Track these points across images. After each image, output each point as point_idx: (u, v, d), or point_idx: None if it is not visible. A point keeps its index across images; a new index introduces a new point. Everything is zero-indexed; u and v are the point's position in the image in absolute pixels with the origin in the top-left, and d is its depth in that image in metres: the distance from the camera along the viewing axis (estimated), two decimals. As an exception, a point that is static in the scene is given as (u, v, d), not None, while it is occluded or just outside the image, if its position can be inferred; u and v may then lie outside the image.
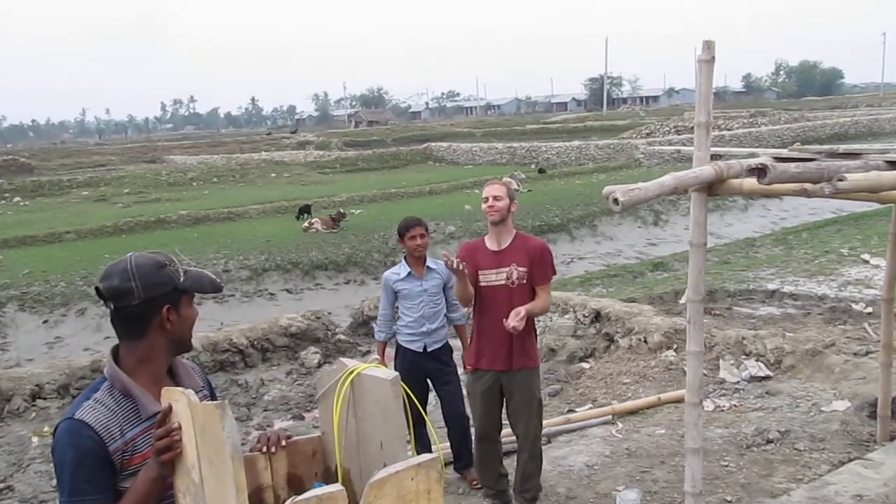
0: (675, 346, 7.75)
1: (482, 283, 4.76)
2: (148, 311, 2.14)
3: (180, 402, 2.06)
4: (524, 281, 4.72)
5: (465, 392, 5.16)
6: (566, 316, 8.95)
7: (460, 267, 4.52)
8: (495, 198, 4.74)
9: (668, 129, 37.80)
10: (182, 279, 2.19)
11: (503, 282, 4.72)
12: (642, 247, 17.64)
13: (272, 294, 14.26)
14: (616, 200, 2.93)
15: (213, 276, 2.26)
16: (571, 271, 15.29)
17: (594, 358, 8.27)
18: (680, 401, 6.42)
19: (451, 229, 17.51)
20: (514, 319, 4.49)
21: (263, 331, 9.45)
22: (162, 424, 2.05)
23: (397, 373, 2.41)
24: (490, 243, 4.82)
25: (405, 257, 5.53)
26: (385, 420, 2.38)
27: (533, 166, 33.32)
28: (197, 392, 2.16)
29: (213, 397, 2.41)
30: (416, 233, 5.40)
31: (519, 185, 24.20)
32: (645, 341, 8.00)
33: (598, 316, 8.70)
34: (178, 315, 2.19)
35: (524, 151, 36.39)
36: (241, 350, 9.11)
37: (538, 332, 5.10)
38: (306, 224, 18.44)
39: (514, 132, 56.31)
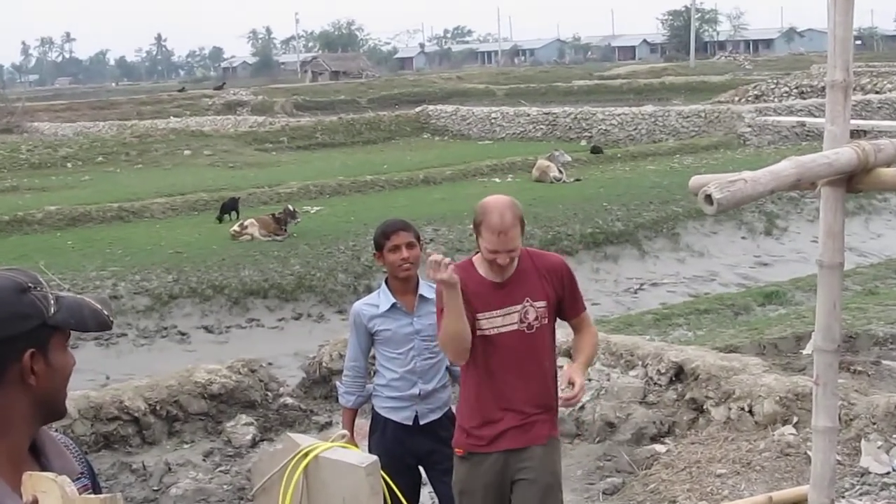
0: (795, 419, 7.75)
1: (483, 332, 4.77)
2: (1, 358, 2.17)
3: (50, 494, 2.07)
4: (546, 321, 4.78)
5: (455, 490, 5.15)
6: (632, 372, 8.94)
7: (451, 278, 4.50)
8: (502, 234, 4.58)
9: (786, 89, 37.86)
10: (53, 310, 2.20)
11: (515, 326, 4.76)
12: (748, 267, 17.65)
13: (183, 334, 14.27)
14: (710, 198, 2.96)
15: (99, 306, 2.29)
16: (641, 303, 15.30)
17: (673, 437, 8.26)
18: (802, 503, 6.42)
19: (454, 237, 17.55)
20: (573, 390, 4.58)
21: (170, 390, 9.45)
22: (24, 527, 2.06)
23: (375, 457, 2.45)
24: (487, 271, 4.81)
25: (386, 281, 5.56)
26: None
27: (583, 143, 33.34)
28: (74, 480, 2.19)
29: (96, 489, 2.43)
30: (401, 241, 5.39)
31: (562, 172, 24.29)
32: (750, 412, 7.99)
33: (679, 373, 8.69)
34: (47, 363, 2.20)
35: (569, 120, 36.45)
36: (136, 418, 9.09)
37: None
38: (236, 228, 18.50)
39: (555, 91, 56.48)
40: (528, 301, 4.74)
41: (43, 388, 2.20)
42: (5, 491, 2.14)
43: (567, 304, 4.83)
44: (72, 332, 2.26)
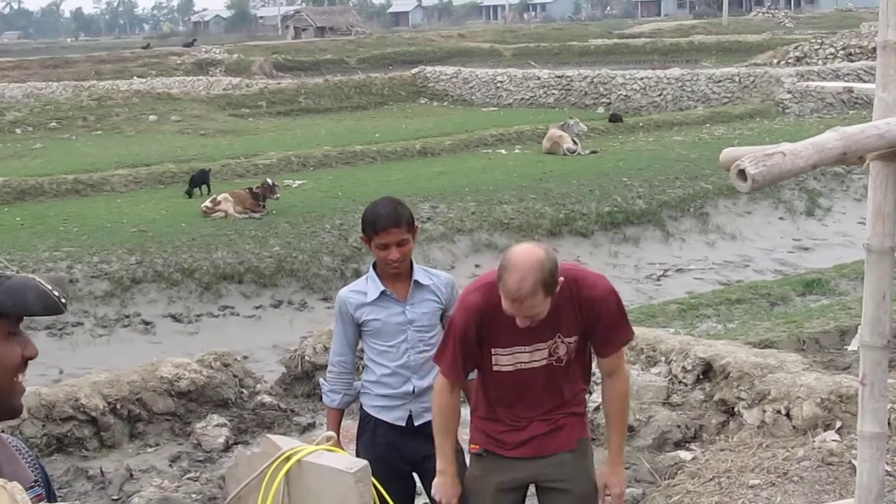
0: (838, 424, 7.76)
1: (502, 368, 4.78)
2: None
3: (-3, 503, 2.08)
4: (574, 355, 4.81)
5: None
6: (654, 370, 8.95)
7: None
8: (517, 302, 4.42)
9: (832, 50, 37.82)
10: None
11: (544, 362, 4.76)
12: (786, 252, 17.67)
13: (147, 323, 14.30)
14: (743, 174, 2.95)
15: (49, 286, 2.27)
16: (664, 292, 15.32)
17: (700, 443, 8.27)
18: (845, 518, 6.43)
19: (454, 216, 17.55)
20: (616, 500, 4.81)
21: (132, 386, 9.46)
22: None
23: (366, 462, 2.45)
24: None
25: (374, 265, 5.55)
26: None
27: (600, 110, 33.33)
28: (27, 488, 2.18)
29: (51, 499, 2.43)
30: (391, 239, 5.35)
31: (576, 143, 24.27)
32: (788, 415, 8.00)
33: (707, 371, 8.70)
34: None
35: (585, 84, 36.43)
36: (93, 419, 9.11)
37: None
38: (208, 204, 18.49)
39: (569, 51, 56.43)
40: (559, 337, 4.71)
41: None
42: None
43: (596, 341, 4.81)
44: (16, 317, 2.25)
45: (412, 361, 5.48)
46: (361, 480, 2.16)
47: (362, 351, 5.67)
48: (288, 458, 2.34)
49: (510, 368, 4.76)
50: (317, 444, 2.52)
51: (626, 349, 9.11)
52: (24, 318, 2.31)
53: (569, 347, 4.74)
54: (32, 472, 2.40)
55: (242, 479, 2.45)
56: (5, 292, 2.20)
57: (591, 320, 4.72)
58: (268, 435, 2.29)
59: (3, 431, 2.41)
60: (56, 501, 2.28)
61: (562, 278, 4.49)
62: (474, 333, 4.70)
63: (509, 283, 4.35)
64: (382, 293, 5.45)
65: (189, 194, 20.25)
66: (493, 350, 4.73)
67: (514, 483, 4.95)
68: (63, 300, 2.30)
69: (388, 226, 5.29)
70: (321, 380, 5.92)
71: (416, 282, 5.47)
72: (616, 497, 4.81)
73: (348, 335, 5.58)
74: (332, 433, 5.36)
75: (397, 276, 5.46)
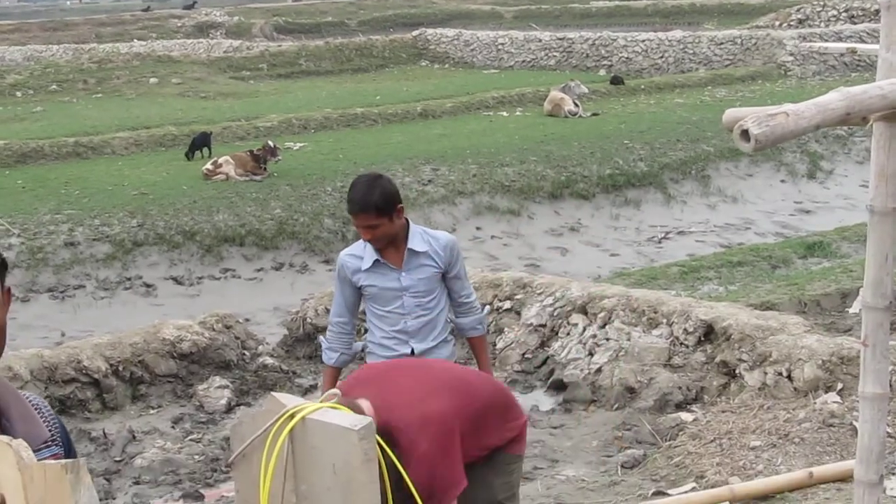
0: (839, 385, 7.78)
1: None
2: None
3: (3, 460, 2.08)
4: None
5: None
6: (655, 332, 8.97)
7: None
8: None
9: (834, 12, 37.63)
10: None
11: None
12: (787, 214, 17.66)
13: (149, 286, 14.31)
14: (747, 134, 2.95)
15: None
16: (666, 254, 15.32)
17: (702, 404, 8.30)
18: (847, 479, 6.45)
19: (456, 178, 17.52)
20: None
21: (134, 348, 9.49)
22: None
23: (370, 419, 2.44)
24: None
25: (364, 235, 5.58)
26: (348, 499, 2.43)
27: (602, 72, 33.21)
28: (42, 447, 2.19)
29: (70, 456, 2.43)
30: (360, 223, 5.36)
31: (578, 105, 24.20)
32: (789, 377, 8.02)
33: (709, 333, 8.71)
34: None
35: (587, 47, 36.27)
36: (95, 381, 9.15)
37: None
38: (209, 166, 18.45)
39: (571, 13, 56.06)
40: None
41: None
42: None
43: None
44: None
45: (409, 326, 5.51)
46: (365, 438, 2.17)
47: (364, 313, 5.69)
48: (292, 416, 2.34)
49: None
50: (321, 402, 2.53)
51: (626, 310, 9.16)
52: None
53: None
54: (50, 430, 2.41)
55: (247, 437, 2.46)
56: None
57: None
58: (273, 394, 2.30)
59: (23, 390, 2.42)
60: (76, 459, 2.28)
61: None
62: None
63: None
64: (376, 261, 5.46)
65: (189, 157, 20.18)
66: None
67: None
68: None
69: (355, 210, 5.34)
70: (321, 338, 5.95)
71: (411, 249, 5.46)
72: None
73: (347, 297, 5.60)
74: (336, 390, 5.39)
75: (390, 245, 5.46)
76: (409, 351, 5.49)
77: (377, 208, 5.27)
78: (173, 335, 9.72)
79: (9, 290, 2.33)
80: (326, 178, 17.69)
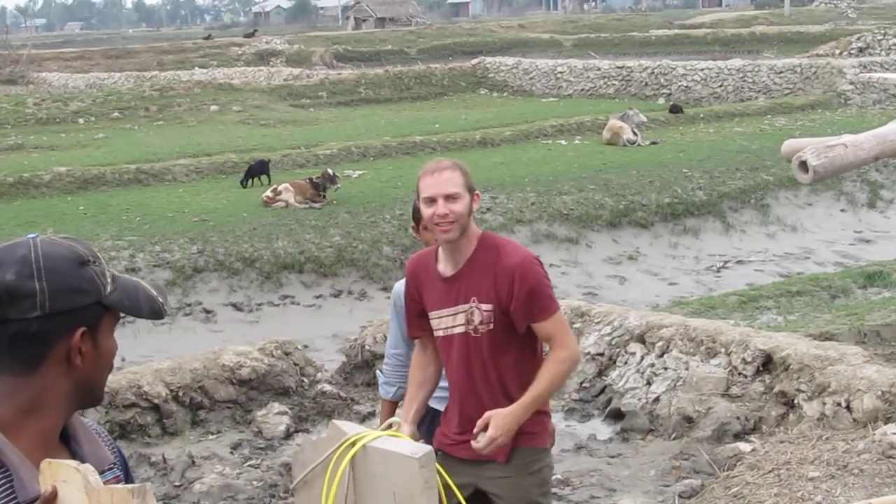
0: (900, 417, 7.72)
1: (437, 333, 4.81)
2: (51, 333, 2.18)
3: (71, 483, 2.12)
4: (491, 330, 4.71)
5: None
6: (713, 361, 8.93)
7: None
8: (449, 198, 4.56)
9: (895, 41, 37.36)
10: (109, 289, 2.24)
11: (462, 329, 4.73)
12: (847, 244, 17.53)
13: (208, 312, 14.44)
14: (805, 165, 2.97)
15: (154, 292, 2.32)
16: (724, 283, 15.25)
17: (760, 434, 8.25)
18: (907, 512, 6.40)
19: (514, 206, 17.54)
20: (479, 442, 4.42)
21: (194, 374, 9.56)
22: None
23: (430, 447, 2.49)
24: (442, 263, 4.79)
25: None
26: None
27: (661, 101, 33.19)
28: (105, 470, 2.23)
29: (128, 481, 2.47)
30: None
31: (637, 134, 24.19)
32: (848, 408, 7.96)
33: (767, 363, 8.67)
34: (95, 345, 2.23)
35: (646, 75, 36.29)
36: (155, 406, 9.23)
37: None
38: (269, 193, 18.60)
39: (630, 41, 56.14)
40: (474, 301, 4.67)
41: (87, 371, 2.24)
42: (33, 475, 2.17)
43: (517, 314, 4.65)
44: (121, 315, 2.31)
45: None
46: (426, 466, 2.19)
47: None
48: (353, 444, 2.37)
49: (441, 333, 4.76)
50: (382, 430, 2.55)
51: (684, 339, 9.14)
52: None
53: (483, 316, 4.64)
54: (111, 454, 2.46)
55: (308, 464, 2.49)
56: (122, 292, 2.25)
57: (507, 290, 4.63)
58: (334, 421, 2.33)
59: (87, 418, 2.47)
60: (133, 482, 2.34)
61: (482, 234, 4.78)
62: (416, 293, 4.84)
63: (431, 177, 4.61)
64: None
65: (244, 184, 20.33)
66: (429, 313, 4.79)
67: (461, 487, 4.58)
68: (166, 308, 2.36)
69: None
70: (377, 371, 5.95)
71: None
72: (489, 439, 4.40)
73: (403, 329, 5.58)
74: (396, 419, 5.42)
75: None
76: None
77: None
78: (233, 361, 9.78)
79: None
80: (385, 205, 17.77)
